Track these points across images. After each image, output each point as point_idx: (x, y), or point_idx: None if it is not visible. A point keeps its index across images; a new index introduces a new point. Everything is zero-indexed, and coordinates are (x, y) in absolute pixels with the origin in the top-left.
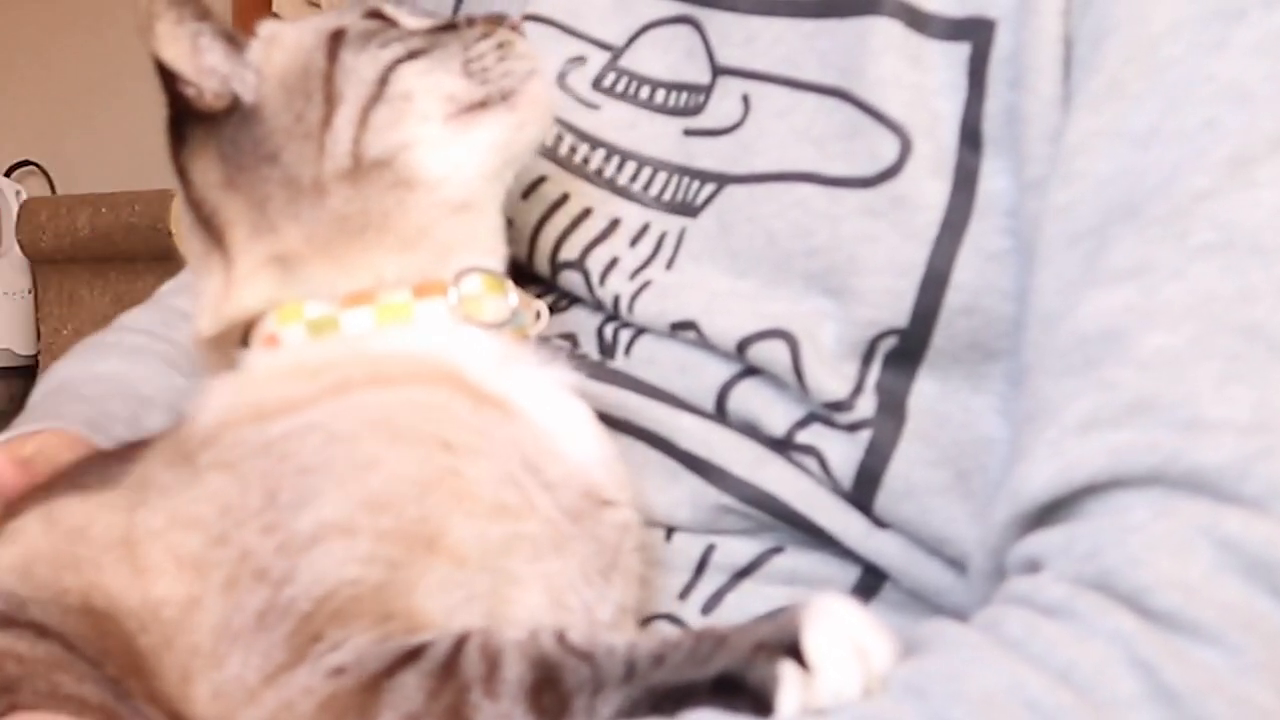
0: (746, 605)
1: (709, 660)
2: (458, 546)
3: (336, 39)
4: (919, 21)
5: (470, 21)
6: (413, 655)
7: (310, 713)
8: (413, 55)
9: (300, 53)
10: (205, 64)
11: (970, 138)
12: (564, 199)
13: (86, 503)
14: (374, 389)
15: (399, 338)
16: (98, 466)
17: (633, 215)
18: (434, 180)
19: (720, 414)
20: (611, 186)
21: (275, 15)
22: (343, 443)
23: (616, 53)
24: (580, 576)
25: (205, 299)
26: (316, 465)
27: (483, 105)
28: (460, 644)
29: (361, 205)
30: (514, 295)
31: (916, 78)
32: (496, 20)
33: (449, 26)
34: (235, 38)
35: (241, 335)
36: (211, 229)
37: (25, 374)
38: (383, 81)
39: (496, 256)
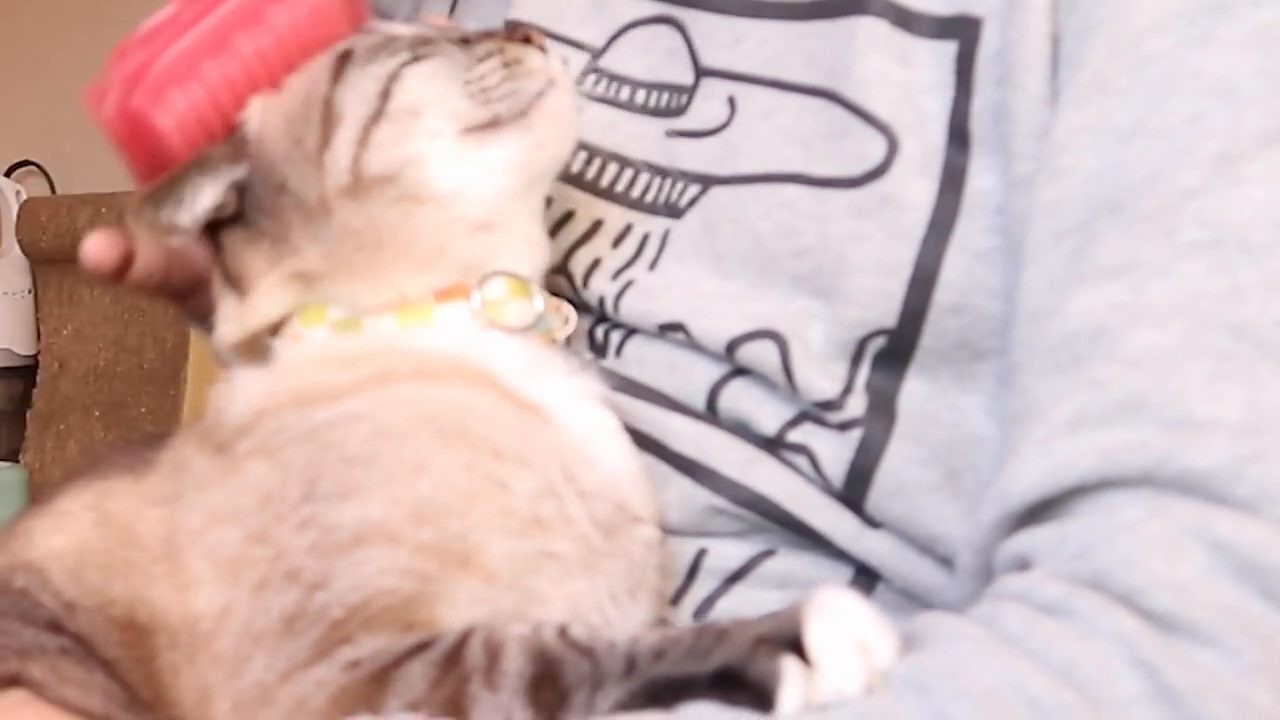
0: (739, 610)
1: (709, 655)
2: (490, 564)
3: (344, 60)
4: (906, 20)
5: (478, 38)
6: (421, 647)
7: (322, 706)
8: (418, 58)
9: (306, 84)
10: (201, 210)
11: (958, 136)
12: (546, 204)
13: (133, 492)
14: (419, 382)
15: (430, 336)
16: (136, 450)
17: (615, 216)
18: (447, 195)
19: (711, 413)
20: (593, 189)
21: None
22: (391, 438)
23: (596, 54)
24: (608, 597)
25: (226, 309)
26: (361, 457)
27: (494, 125)
28: (466, 637)
29: (367, 220)
30: (540, 299)
31: (903, 76)
32: (506, 35)
33: (459, 41)
34: (213, 162)
35: (265, 342)
36: (232, 278)
37: (25, 374)
38: (385, 95)
39: (527, 261)
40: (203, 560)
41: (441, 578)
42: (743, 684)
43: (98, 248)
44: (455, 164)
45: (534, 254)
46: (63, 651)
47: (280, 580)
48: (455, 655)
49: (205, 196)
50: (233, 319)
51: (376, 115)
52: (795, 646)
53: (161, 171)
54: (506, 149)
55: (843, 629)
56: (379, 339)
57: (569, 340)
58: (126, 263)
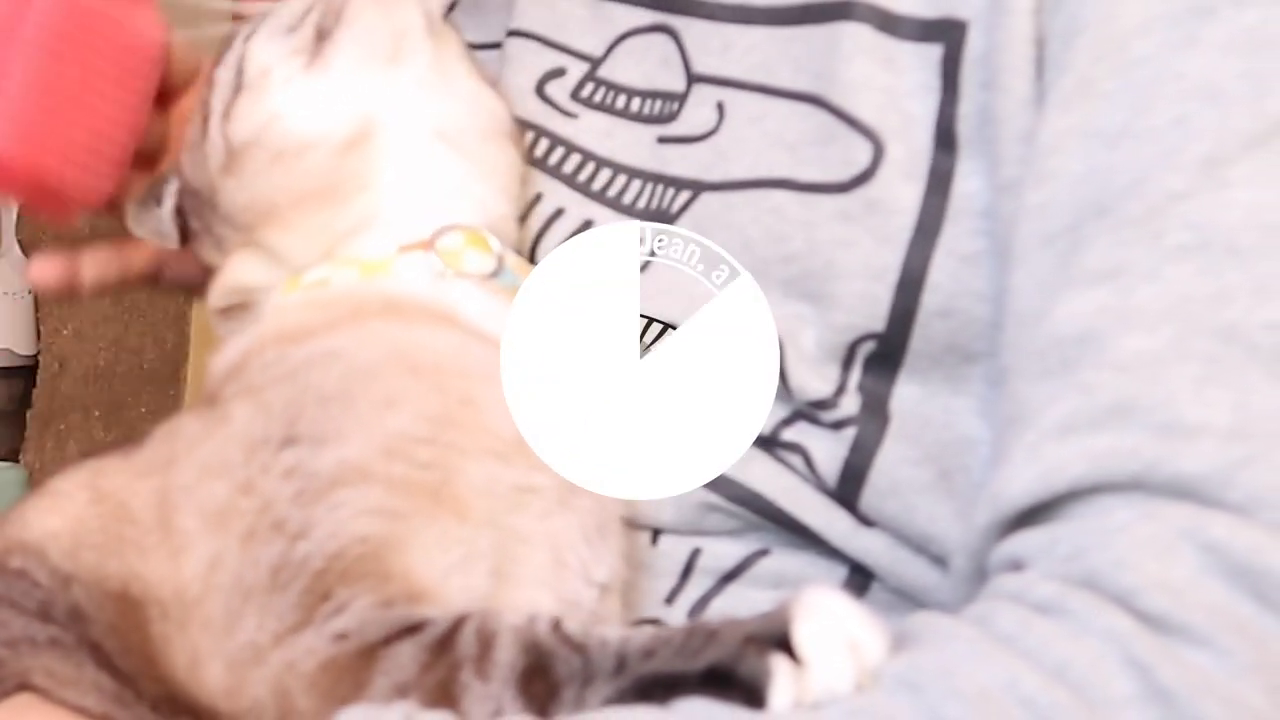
0: (733, 609)
1: (699, 654)
2: (466, 495)
3: (213, 65)
4: (890, 24)
5: None
6: (413, 629)
7: (311, 673)
8: (256, 29)
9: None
10: (168, 213)
11: (944, 139)
12: (537, 199)
13: (124, 468)
14: (388, 320)
15: (394, 282)
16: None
17: (606, 219)
18: (311, 133)
19: None
20: (585, 190)
21: None
22: (362, 376)
23: (595, 63)
24: (580, 535)
25: (212, 281)
26: (337, 397)
27: (322, 37)
28: (459, 624)
29: (251, 191)
30: (497, 246)
31: (888, 80)
32: None
33: None
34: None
35: (252, 307)
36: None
37: (25, 374)
38: (240, 72)
39: (473, 205)
40: (193, 516)
41: (411, 515)
42: (733, 683)
43: (40, 273)
44: (308, 98)
45: (475, 182)
46: (51, 642)
47: (267, 531)
48: (447, 641)
49: (169, 201)
50: (214, 288)
51: (236, 90)
52: (785, 645)
53: (53, 197)
54: (342, 51)
55: (831, 627)
56: (348, 286)
57: None
58: (73, 280)
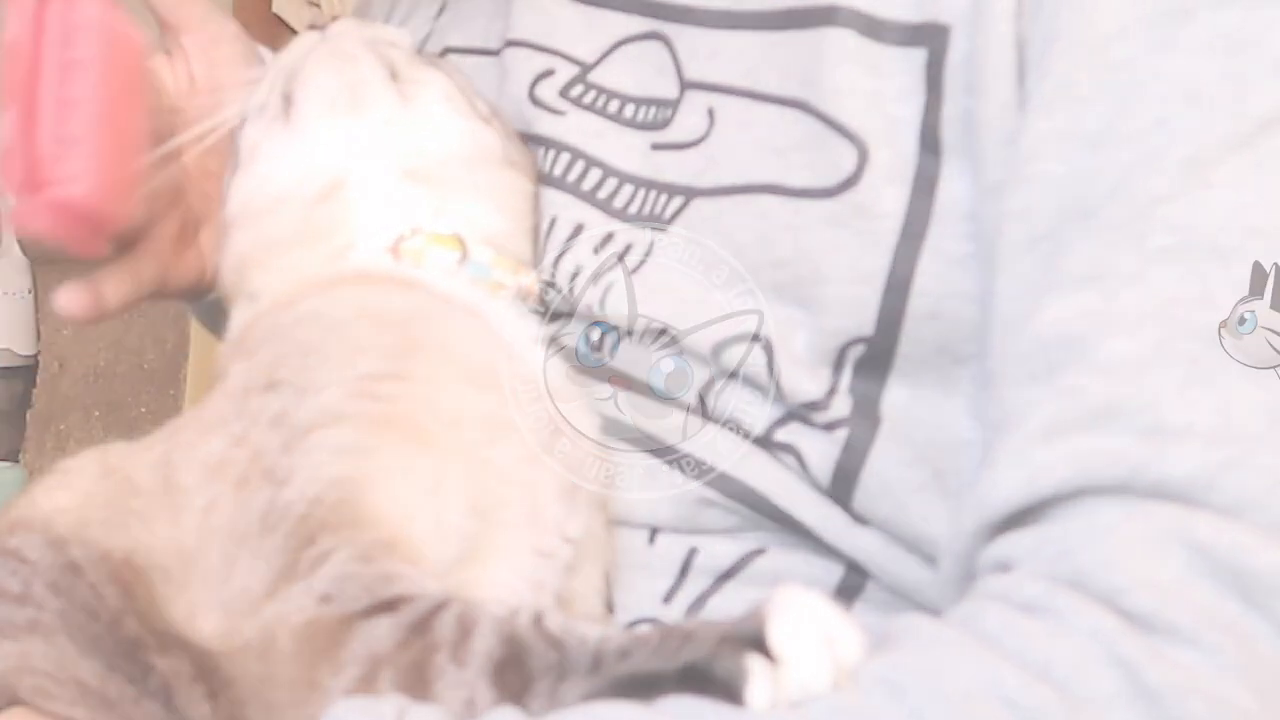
0: (730, 608)
1: (675, 654)
2: (430, 425)
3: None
4: (874, 29)
5: None
6: (391, 605)
7: (297, 627)
8: (245, 118)
9: None
10: None
11: (929, 143)
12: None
13: (131, 449)
14: (359, 286)
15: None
16: None
17: (596, 222)
18: (288, 189)
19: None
20: (575, 191)
21: (276, 16)
22: (334, 330)
23: (586, 67)
24: (555, 492)
25: None
26: (315, 349)
27: (288, 102)
28: (439, 607)
29: (236, 251)
30: (459, 245)
31: (873, 85)
32: None
33: None
34: None
35: None
36: None
37: (25, 374)
38: (235, 156)
39: (460, 224)
40: (193, 473)
41: (376, 449)
42: (710, 682)
43: (69, 302)
44: (281, 155)
45: (450, 203)
46: (31, 626)
47: (258, 479)
48: (425, 623)
49: None
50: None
51: (233, 172)
52: (760, 644)
53: (95, 237)
54: (303, 110)
55: (806, 625)
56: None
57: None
58: (99, 303)
